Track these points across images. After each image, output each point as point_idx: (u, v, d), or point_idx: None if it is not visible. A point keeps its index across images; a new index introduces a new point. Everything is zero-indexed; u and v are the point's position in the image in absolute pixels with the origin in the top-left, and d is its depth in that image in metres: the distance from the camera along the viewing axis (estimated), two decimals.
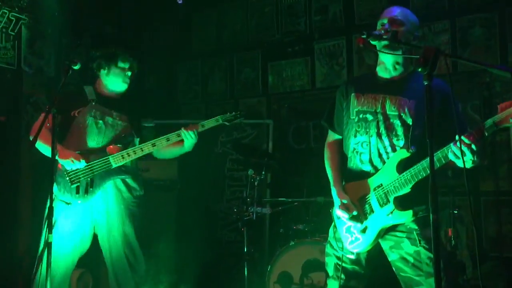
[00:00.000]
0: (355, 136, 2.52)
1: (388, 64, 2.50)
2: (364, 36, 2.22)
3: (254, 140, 5.29)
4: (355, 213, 2.46)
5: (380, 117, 2.45)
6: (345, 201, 2.51)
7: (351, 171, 2.56)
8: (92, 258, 3.28)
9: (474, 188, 4.48)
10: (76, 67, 3.10)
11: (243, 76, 5.74)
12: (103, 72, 3.25)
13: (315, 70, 5.33)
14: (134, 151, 3.18)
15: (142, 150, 3.20)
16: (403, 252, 2.39)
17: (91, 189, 3.10)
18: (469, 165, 2.17)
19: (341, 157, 2.68)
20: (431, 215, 1.79)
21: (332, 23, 5.27)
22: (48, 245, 2.58)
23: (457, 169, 2.18)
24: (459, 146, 2.08)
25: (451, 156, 2.15)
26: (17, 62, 4.42)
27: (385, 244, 2.47)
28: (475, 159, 2.13)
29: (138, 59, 3.38)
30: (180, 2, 5.63)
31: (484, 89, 4.49)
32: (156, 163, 4.59)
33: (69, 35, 4.59)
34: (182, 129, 3.20)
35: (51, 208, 2.61)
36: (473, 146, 2.09)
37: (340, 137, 2.70)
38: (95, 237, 3.25)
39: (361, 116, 2.51)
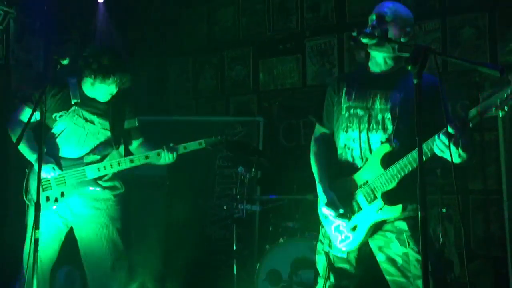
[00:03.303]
0: (346, 131, 2.51)
1: (378, 59, 2.48)
2: (355, 34, 2.21)
3: (245, 138, 5.28)
4: (341, 211, 2.44)
5: (371, 112, 2.44)
6: (330, 199, 2.48)
7: (342, 166, 2.54)
8: (79, 255, 3.24)
9: (462, 187, 4.51)
10: (65, 62, 3.06)
11: (234, 73, 5.72)
12: (88, 79, 3.09)
13: (306, 68, 5.33)
14: (110, 164, 3.13)
15: (119, 165, 3.15)
16: (392, 253, 2.39)
17: (61, 198, 3.05)
18: (457, 160, 2.15)
19: (328, 153, 2.66)
20: (419, 213, 1.79)
21: (324, 21, 5.26)
22: (35, 241, 2.56)
23: (446, 168, 2.19)
24: (443, 139, 2.08)
25: (436, 150, 2.14)
26: (5, 56, 4.37)
27: (373, 244, 2.47)
28: (462, 153, 2.11)
29: (130, 71, 3.23)
30: None
31: (473, 88, 4.52)
32: None
33: (57, 30, 4.54)
34: (164, 147, 3.17)
35: (38, 204, 2.58)
36: (458, 138, 2.07)
37: (328, 131, 2.69)
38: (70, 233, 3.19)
39: (351, 111, 2.50)
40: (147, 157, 3.19)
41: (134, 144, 3.36)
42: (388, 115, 2.39)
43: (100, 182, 3.15)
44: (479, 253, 4.43)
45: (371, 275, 2.58)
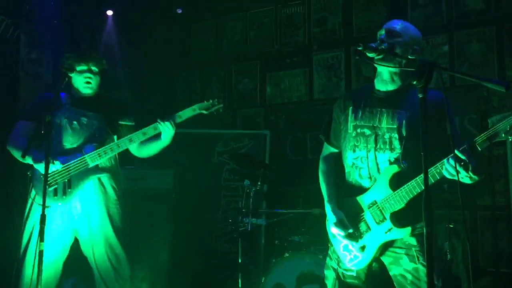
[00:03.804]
0: (354, 151, 2.50)
1: (385, 76, 2.46)
2: (360, 48, 2.21)
3: (251, 151, 5.28)
4: (350, 230, 2.44)
5: (378, 131, 2.43)
6: (340, 219, 2.48)
7: (350, 186, 2.53)
8: (85, 266, 3.24)
9: (470, 202, 4.47)
10: (74, 75, 3.14)
11: (241, 86, 5.74)
12: (70, 75, 3.19)
13: (313, 82, 5.34)
14: (110, 148, 3.13)
15: (119, 146, 3.14)
16: (402, 269, 2.38)
17: (69, 190, 3.05)
18: (467, 181, 2.16)
19: (336, 172, 2.66)
20: (424, 228, 1.77)
21: (331, 35, 5.29)
22: (40, 253, 2.56)
23: (453, 183, 2.18)
24: (452, 163, 2.09)
25: (445, 173, 2.15)
26: (14, 68, 4.42)
27: (385, 260, 2.46)
28: (472, 175, 2.12)
29: (102, 58, 3.31)
30: (179, 11, 5.65)
31: (481, 103, 4.50)
32: (151, 173, 4.58)
33: (67, 43, 4.58)
34: (158, 120, 3.12)
35: (43, 216, 2.59)
36: (467, 162, 2.08)
37: (336, 150, 2.68)
38: (77, 242, 3.19)
39: (358, 130, 2.49)
40: (144, 133, 3.15)
41: (134, 144, 3.33)
42: (395, 135, 2.38)
43: (103, 167, 3.17)
44: (488, 270, 4.37)
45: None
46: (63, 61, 3.20)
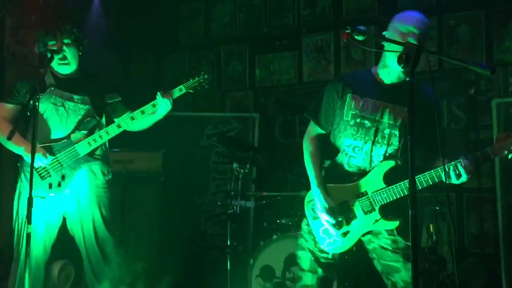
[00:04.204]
0: (349, 138, 2.50)
1: (393, 70, 2.43)
2: (348, 31, 2.20)
3: (240, 134, 5.28)
4: (340, 219, 2.47)
5: (379, 125, 2.44)
6: (332, 206, 2.49)
7: (335, 171, 2.55)
8: (73, 249, 3.24)
9: (456, 185, 4.51)
10: (60, 56, 3.06)
11: (231, 69, 5.72)
12: (48, 56, 3.03)
13: (303, 65, 5.33)
14: (100, 135, 3.08)
15: (108, 133, 3.09)
16: (382, 242, 2.45)
17: (63, 182, 3.03)
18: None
19: (321, 153, 2.66)
20: (409, 210, 1.79)
21: (321, 18, 5.27)
22: (27, 236, 2.56)
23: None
24: (450, 168, 2.25)
25: (453, 178, 2.29)
26: (0, 50, 4.35)
27: (364, 237, 2.51)
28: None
29: (72, 26, 3.12)
30: None
31: (469, 86, 4.53)
32: (140, 155, 4.57)
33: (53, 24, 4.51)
34: (159, 96, 3.05)
35: (30, 199, 2.58)
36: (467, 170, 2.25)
37: (324, 132, 2.66)
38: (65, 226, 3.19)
39: (358, 120, 2.48)
40: (133, 118, 3.09)
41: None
42: (395, 131, 2.42)
43: (95, 155, 3.14)
44: (472, 251, 4.45)
45: (352, 265, 2.62)
46: (38, 39, 3.06)
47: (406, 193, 2.31)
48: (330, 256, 2.54)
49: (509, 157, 2.23)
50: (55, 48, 2.97)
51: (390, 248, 2.43)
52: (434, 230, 3.84)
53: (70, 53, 3.07)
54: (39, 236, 3.03)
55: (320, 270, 2.55)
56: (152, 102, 3.10)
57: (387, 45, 2.28)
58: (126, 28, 5.58)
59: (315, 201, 2.54)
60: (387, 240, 2.44)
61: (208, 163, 5.30)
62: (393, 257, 2.41)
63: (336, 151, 2.57)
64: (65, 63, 3.07)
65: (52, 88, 3.04)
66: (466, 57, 4.53)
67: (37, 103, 2.69)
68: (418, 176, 2.29)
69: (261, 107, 5.49)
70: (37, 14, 4.54)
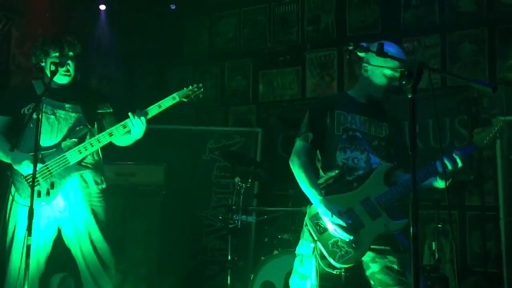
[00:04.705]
0: (344, 152, 2.52)
1: (375, 90, 2.58)
2: (351, 48, 2.21)
3: (243, 148, 5.29)
4: (349, 221, 2.40)
5: (368, 138, 2.54)
6: (339, 210, 2.41)
7: (337, 185, 2.52)
8: (73, 261, 3.22)
9: (459, 202, 4.50)
10: (64, 70, 3.08)
11: (234, 83, 5.74)
12: (43, 65, 3.08)
13: (306, 80, 5.35)
14: (90, 143, 3.04)
15: (99, 141, 3.05)
16: (387, 261, 2.40)
17: (52, 190, 2.98)
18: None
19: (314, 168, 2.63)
20: (411, 228, 1.78)
21: (324, 34, 5.30)
22: (27, 247, 2.55)
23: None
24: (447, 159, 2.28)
25: (448, 165, 2.35)
26: (5, 61, 4.39)
27: (367, 256, 2.45)
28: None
29: (76, 40, 3.11)
30: (173, 7, 5.64)
31: (472, 104, 4.53)
32: (142, 168, 4.57)
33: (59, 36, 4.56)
34: (130, 115, 2.99)
35: (31, 210, 2.57)
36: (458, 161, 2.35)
37: (313, 149, 2.62)
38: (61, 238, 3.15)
39: (350, 133, 2.54)
40: (125, 126, 3.03)
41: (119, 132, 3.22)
42: (383, 143, 2.54)
43: (85, 164, 3.10)
44: (475, 269, 4.41)
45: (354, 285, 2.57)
46: (37, 46, 3.07)
47: (409, 191, 2.29)
48: (343, 273, 2.44)
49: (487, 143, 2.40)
50: (58, 61, 2.97)
51: (396, 267, 2.38)
52: (436, 248, 3.82)
53: (72, 66, 3.08)
54: (32, 250, 2.99)
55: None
56: (122, 123, 3.04)
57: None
58: (131, 41, 5.63)
59: (320, 213, 2.45)
60: (392, 258, 2.40)
61: (210, 177, 5.30)
62: (398, 280, 2.37)
63: (330, 167, 2.55)
64: (68, 75, 3.08)
65: (43, 98, 2.94)
66: (469, 75, 4.53)
67: (40, 116, 2.69)
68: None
69: (264, 122, 5.50)
70: (43, 27, 4.58)
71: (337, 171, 2.53)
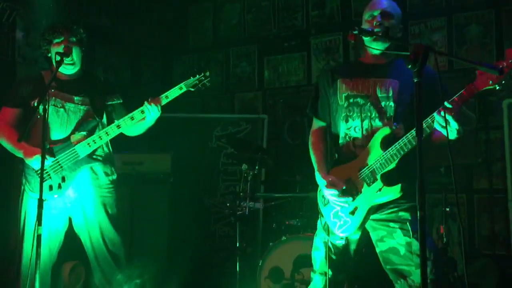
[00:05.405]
0: (346, 121, 2.53)
1: (375, 51, 2.52)
2: (356, 32, 2.21)
3: (249, 135, 5.29)
4: (344, 187, 2.45)
5: (372, 100, 2.47)
6: (331, 180, 2.49)
7: (344, 156, 2.55)
8: (84, 250, 3.26)
9: (467, 185, 4.49)
10: (69, 59, 3.07)
11: (239, 70, 5.73)
12: (50, 55, 3.06)
13: (311, 66, 5.33)
14: (99, 136, 3.05)
15: (108, 134, 3.06)
16: (395, 242, 2.40)
17: (63, 183, 3.01)
18: (453, 135, 2.21)
19: (326, 143, 2.68)
20: (418, 212, 1.79)
21: (329, 19, 5.26)
22: (38, 237, 2.57)
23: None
24: (442, 115, 2.14)
25: (436, 126, 2.21)
26: (11, 52, 4.39)
27: (375, 235, 2.48)
28: (459, 128, 2.18)
29: (79, 27, 3.11)
30: None
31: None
32: (149, 157, 4.60)
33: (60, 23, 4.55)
34: (146, 103, 3.03)
35: (41, 201, 2.59)
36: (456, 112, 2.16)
37: (324, 124, 2.70)
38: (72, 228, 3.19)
39: (351, 100, 2.52)
40: (132, 118, 3.05)
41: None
42: (391, 103, 2.44)
43: (95, 156, 3.11)
44: (484, 252, 4.41)
45: (364, 268, 2.59)
46: (40, 37, 3.07)
47: (402, 153, 2.29)
48: (344, 242, 2.50)
49: (496, 87, 2.17)
50: (62, 51, 2.96)
51: (403, 251, 2.38)
52: (444, 231, 3.82)
53: (75, 53, 3.06)
54: (43, 239, 3.03)
55: (330, 273, 2.54)
56: (140, 109, 3.05)
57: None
58: (135, 30, 5.61)
59: (319, 185, 2.56)
60: (401, 240, 2.39)
61: (217, 164, 5.31)
62: (404, 261, 2.38)
63: (337, 139, 2.59)
64: (71, 63, 3.06)
65: (53, 90, 3.00)
66: (476, 57, 4.49)
67: (46, 106, 2.70)
68: (408, 134, 2.28)
69: (270, 108, 5.49)
70: (47, 17, 4.58)
71: (341, 142, 2.57)
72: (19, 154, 3.00)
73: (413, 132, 2.23)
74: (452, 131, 2.18)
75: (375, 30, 2.39)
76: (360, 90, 2.50)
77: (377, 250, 2.48)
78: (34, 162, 2.94)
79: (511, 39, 4.44)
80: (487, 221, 4.44)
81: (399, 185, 2.33)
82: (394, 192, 2.35)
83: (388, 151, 2.34)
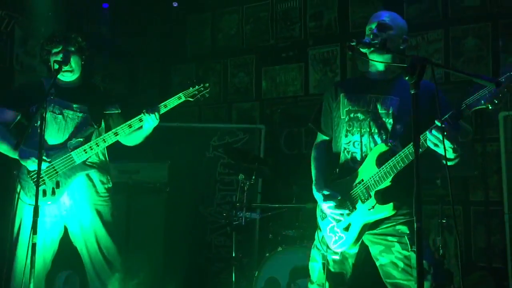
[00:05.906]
0: (346, 136, 2.54)
1: (380, 66, 2.54)
2: (354, 44, 2.22)
3: (246, 145, 5.29)
4: (339, 197, 2.46)
5: (372, 116, 2.47)
6: (326, 192, 2.51)
7: (343, 170, 2.56)
8: (78, 259, 3.24)
9: (464, 197, 4.49)
10: (67, 67, 3.08)
11: (237, 80, 5.74)
12: (50, 64, 3.09)
13: (309, 76, 5.35)
14: (96, 143, 3.05)
15: (105, 141, 3.06)
16: (393, 257, 2.39)
17: (57, 189, 3.00)
18: (450, 154, 2.20)
19: (328, 158, 2.69)
20: (415, 223, 1.79)
21: (327, 30, 5.29)
22: (33, 246, 2.56)
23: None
24: (434, 133, 2.13)
25: (429, 144, 2.19)
26: (9, 60, 4.40)
27: (374, 249, 2.47)
28: (455, 146, 2.17)
29: (78, 35, 3.14)
30: (175, 5, 5.63)
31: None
32: (146, 166, 4.59)
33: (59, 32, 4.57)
34: (144, 111, 3.03)
35: (36, 208, 2.58)
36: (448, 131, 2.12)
37: (327, 138, 2.72)
38: (68, 237, 3.17)
39: (352, 115, 2.53)
40: (130, 126, 3.06)
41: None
42: (390, 120, 2.44)
43: (90, 163, 3.10)
44: (480, 264, 4.40)
45: (364, 281, 2.59)
46: (39, 46, 3.10)
47: (396, 171, 2.28)
48: (339, 258, 2.51)
49: (489, 107, 2.12)
50: (60, 59, 2.98)
51: (401, 265, 2.36)
52: (441, 243, 3.81)
53: (73, 61, 3.08)
54: (38, 248, 3.01)
55: (327, 285, 2.53)
56: (138, 117, 3.06)
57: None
58: (134, 38, 5.63)
59: (317, 199, 2.57)
60: (400, 254, 2.37)
61: (214, 174, 5.30)
62: (404, 275, 2.36)
63: (338, 154, 2.59)
64: (69, 70, 3.08)
65: (52, 96, 2.99)
66: (473, 69, 4.52)
67: (44, 114, 2.70)
68: (401, 152, 2.27)
69: (267, 118, 5.50)
70: (46, 25, 4.59)
71: (341, 157, 2.57)
72: (14, 155, 2.98)
73: (406, 150, 2.25)
74: (447, 149, 2.16)
75: (372, 42, 2.40)
76: (361, 105, 2.51)
77: (377, 263, 2.47)
78: (29, 162, 2.92)
79: (507, 52, 4.47)
80: (484, 233, 4.44)
81: (392, 203, 2.33)
82: (387, 210, 2.36)
83: (382, 169, 2.34)
